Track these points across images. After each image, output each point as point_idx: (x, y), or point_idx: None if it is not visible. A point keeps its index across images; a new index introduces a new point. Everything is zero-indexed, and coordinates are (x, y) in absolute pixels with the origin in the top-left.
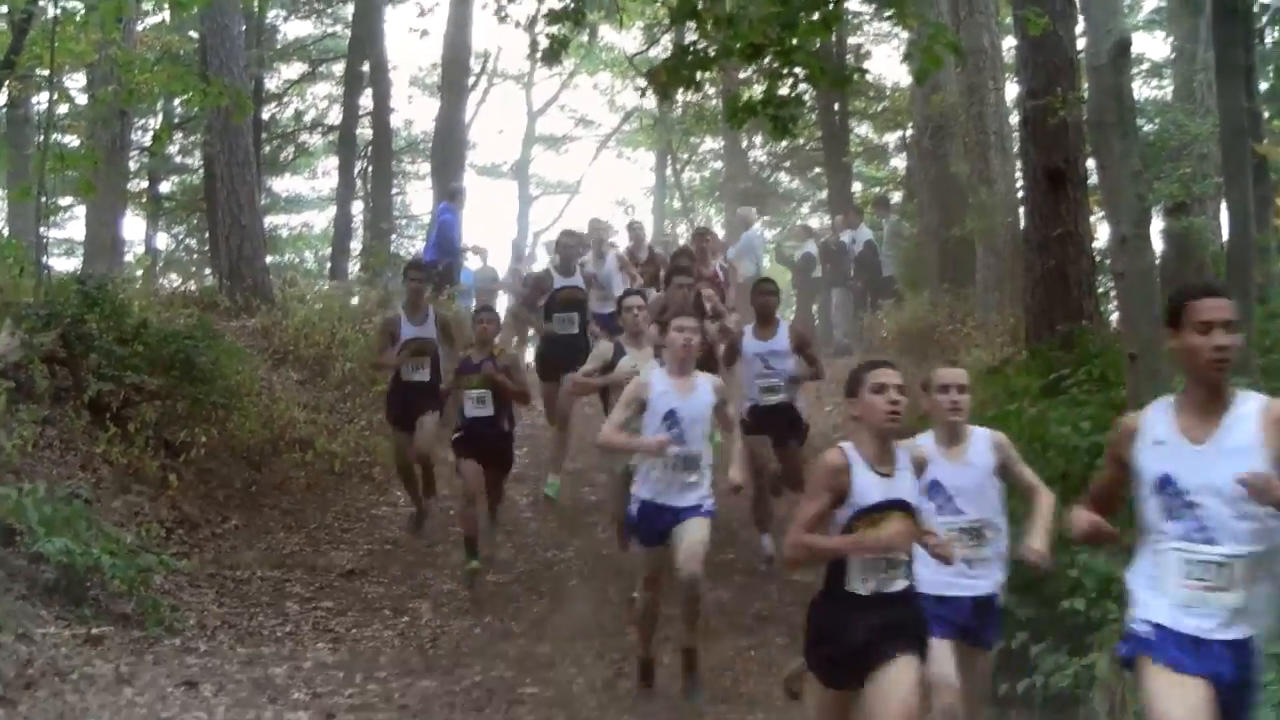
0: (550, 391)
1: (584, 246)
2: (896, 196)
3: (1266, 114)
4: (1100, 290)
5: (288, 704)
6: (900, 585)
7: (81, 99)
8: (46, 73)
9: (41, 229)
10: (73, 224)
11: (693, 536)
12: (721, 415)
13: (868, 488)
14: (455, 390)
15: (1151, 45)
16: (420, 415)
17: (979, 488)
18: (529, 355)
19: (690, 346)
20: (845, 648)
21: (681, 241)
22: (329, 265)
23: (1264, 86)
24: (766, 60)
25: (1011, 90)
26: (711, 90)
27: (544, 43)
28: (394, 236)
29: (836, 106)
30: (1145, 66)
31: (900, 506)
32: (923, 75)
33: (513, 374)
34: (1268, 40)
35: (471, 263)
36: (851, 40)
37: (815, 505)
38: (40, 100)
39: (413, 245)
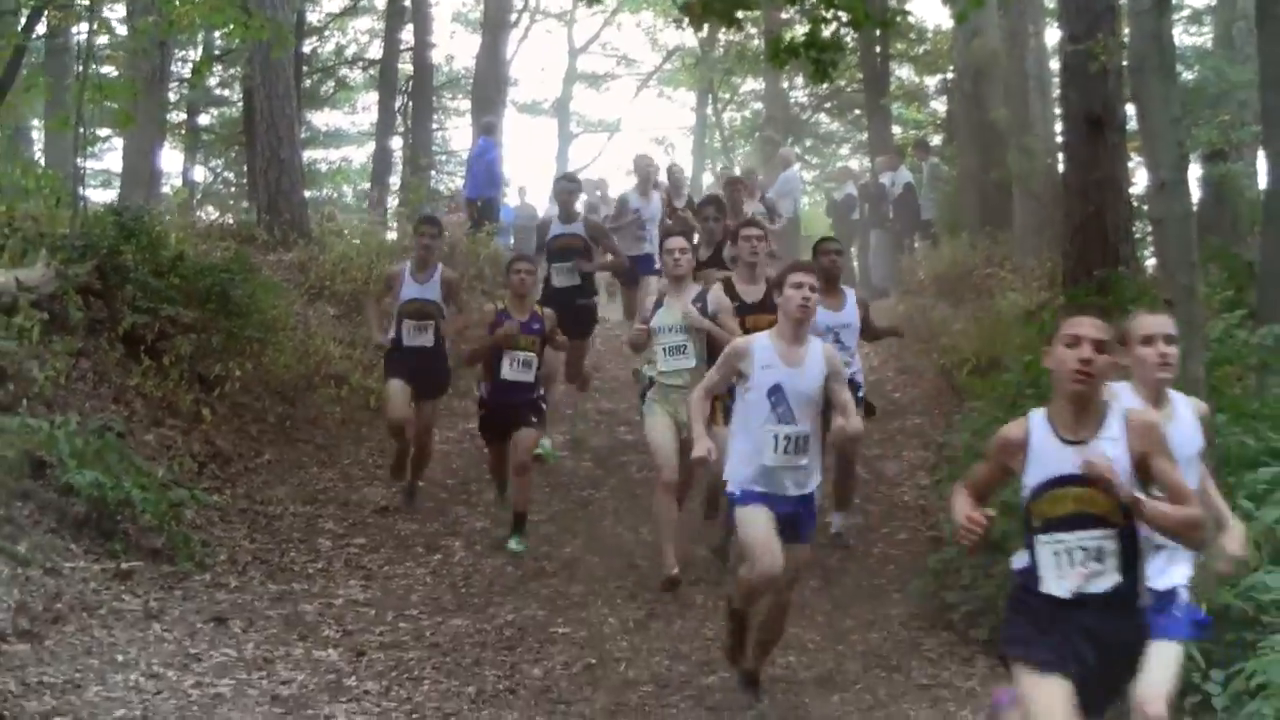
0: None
1: (595, 189)
2: (936, 139)
3: None
4: (1137, 236)
5: (318, 641)
6: (1109, 583)
7: (121, 30)
8: (87, 3)
9: (79, 160)
10: (110, 155)
11: (797, 556)
12: (835, 394)
13: (1046, 460)
14: (494, 348)
15: None
16: (424, 391)
17: (1184, 465)
18: None
19: (809, 306)
20: (1058, 642)
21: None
22: (367, 200)
23: None
24: (810, 2)
25: (1052, 35)
26: (753, 30)
27: None
28: (433, 173)
29: (878, 48)
30: (1186, 13)
31: (1083, 482)
32: (962, 16)
33: (555, 337)
34: None
35: (511, 199)
36: None
37: (982, 471)
38: (80, 30)
39: (453, 181)
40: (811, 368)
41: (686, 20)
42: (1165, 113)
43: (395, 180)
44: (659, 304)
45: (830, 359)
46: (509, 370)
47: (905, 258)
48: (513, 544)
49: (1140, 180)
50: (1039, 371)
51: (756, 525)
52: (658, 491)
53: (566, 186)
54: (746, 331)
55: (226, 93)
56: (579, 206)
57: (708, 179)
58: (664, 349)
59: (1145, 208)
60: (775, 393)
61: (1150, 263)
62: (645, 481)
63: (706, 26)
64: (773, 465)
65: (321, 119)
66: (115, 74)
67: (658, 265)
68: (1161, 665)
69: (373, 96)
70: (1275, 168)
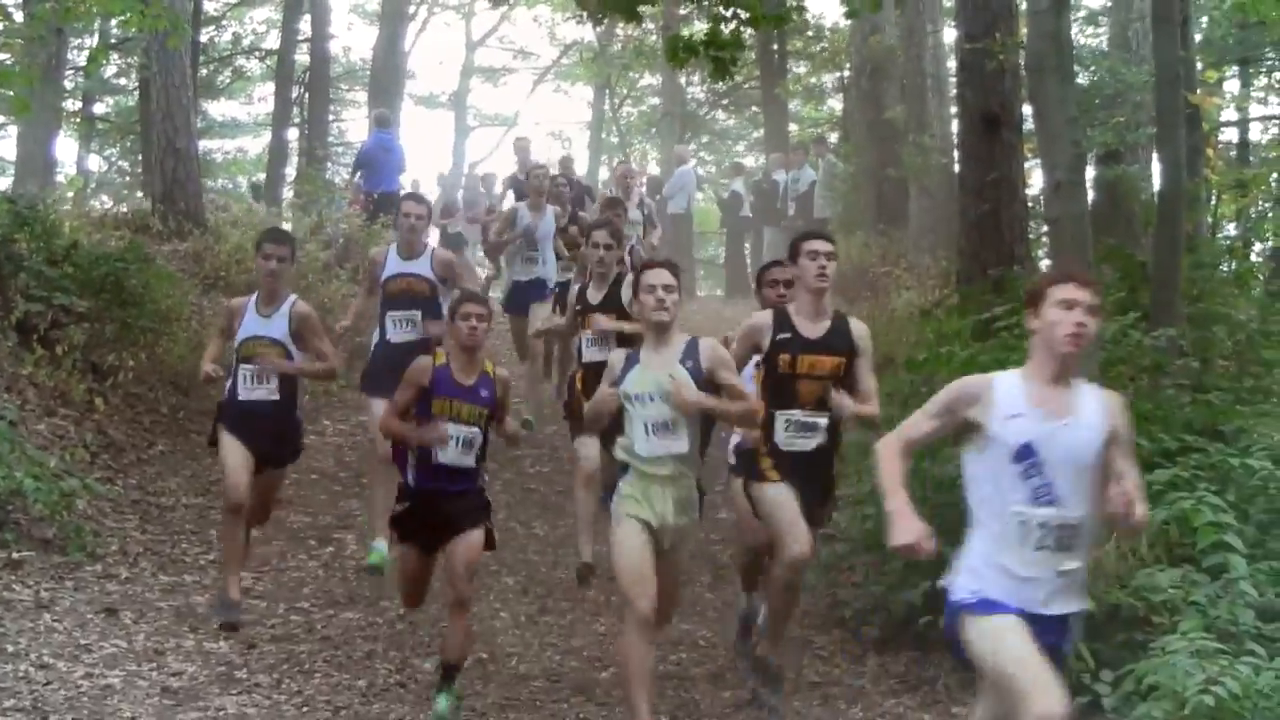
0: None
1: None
2: (833, 137)
3: (1200, 64)
4: (1032, 236)
5: (209, 633)
6: None
7: (18, 16)
8: None
9: None
10: (3, 143)
11: None
12: (1116, 465)
13: None
14: (415, 419)
15: None
16: (268, 457)
17: None
18: None
19: (1085, 334)
20: None
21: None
22: (261, 190)
23: (1198, 37)
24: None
25: (950, 33)
26: (651, 25)
27: None
28: (329, 164)
29: (775, 46)
30: (1082, 14)
31: None
32: (853, 13)
33: (505, 405)
34: None
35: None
36: None
37: None
38: None
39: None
40: (1087, 420)
41: (585, 14)
42: (1062, 113)
43: (291, 171)
44: (632, 359)
45: (1114, 408)
46: (442, 450)
47: None
48: (441, 704)
49: (1036, 180)
50: (930, 370)
51: (1019, 656)
52: (628, 633)
53: (413, 210)
54: (795, 377)
55: (122, 81)
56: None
57: (604, 174)
58: (645, 425)
59: (1040, 207)
60: (1026, 455)
61: (1045, 262)
62: (538, 476)
63: (605, 20)
64: (1024, 571)
65: (217, 109)
66: (10, 61)
67: (551, 288)
68: None
69: (269, 87)
70: (1169, 169)
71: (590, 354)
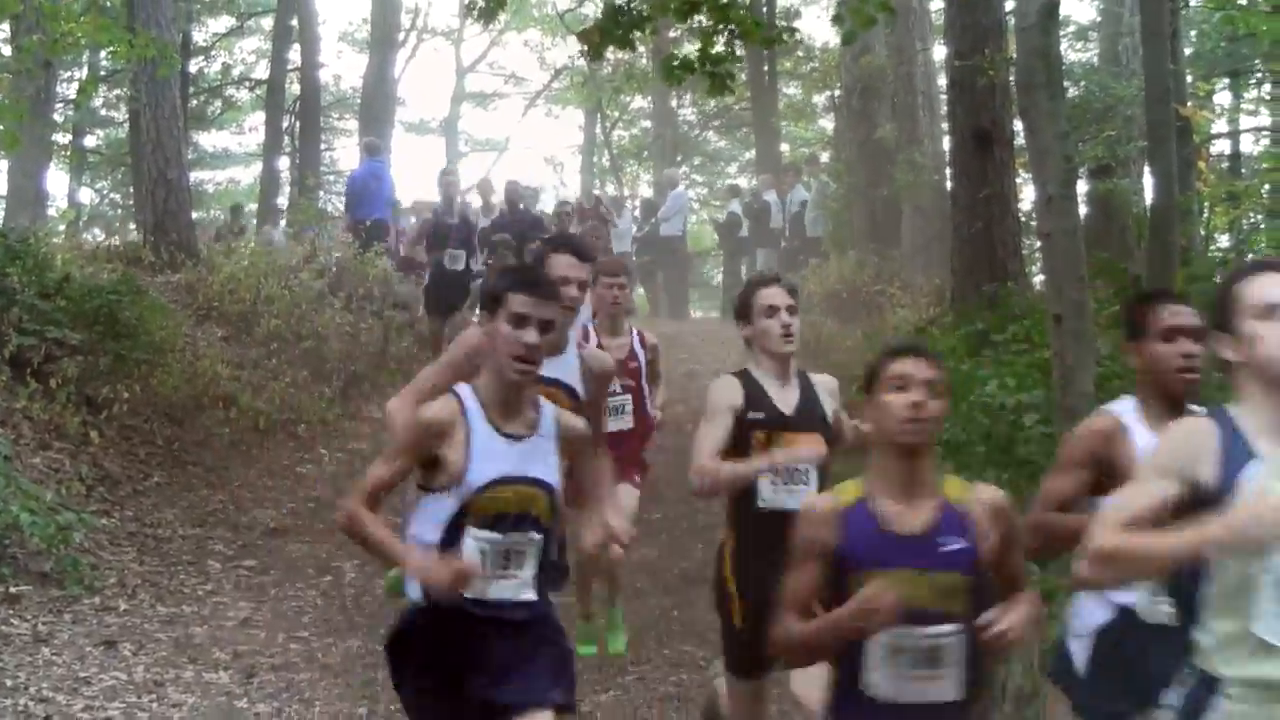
0: None
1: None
2: (825, 157)
3: (1190, 78)
4: (1025, 251)
5: (208, 664)
6: None
7: (5, 50)
8: None
9: None
10: None
11: None
12: None
13: None
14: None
15: (1078, 8)
16: (529, 686)
17: None
18: None
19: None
20: None
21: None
22: (255, 221)
23: (1188, 51)
24: (701, 18)
25: (940, 51)
26: (642, 49)
27: (480, 0)
28: (321, 193)
29: (765, 66)
30: (1071, 30)
31: None
32: (850, 36)
33: (1010, 556)
34: (1192, 4)
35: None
36: (782, 2)
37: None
38: None
39: (342, 201)
40: None
41: (588, 51)
42: (1052, 128)
43: (283, 201)
44: (1238, 444)
45: None
46: (872, 676)
47: (794, 275)
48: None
49: (1028, 196)
50: None
51: None
52: None
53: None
54: None
55: (113, 114)
56: None
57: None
58: None
59: (1033, 223)
60: None
61: (1038, 278)
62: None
63: (604, 54)
64: None
65: (208, 139)
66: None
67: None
68: None
69: (260, 117)
70: (1160, 183)
71: (773, 499)
